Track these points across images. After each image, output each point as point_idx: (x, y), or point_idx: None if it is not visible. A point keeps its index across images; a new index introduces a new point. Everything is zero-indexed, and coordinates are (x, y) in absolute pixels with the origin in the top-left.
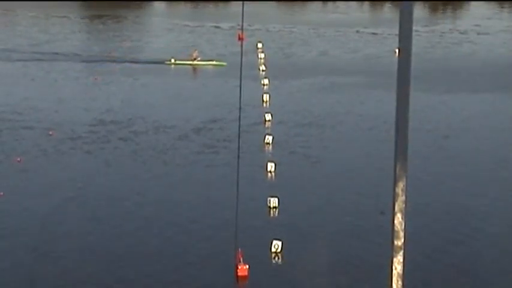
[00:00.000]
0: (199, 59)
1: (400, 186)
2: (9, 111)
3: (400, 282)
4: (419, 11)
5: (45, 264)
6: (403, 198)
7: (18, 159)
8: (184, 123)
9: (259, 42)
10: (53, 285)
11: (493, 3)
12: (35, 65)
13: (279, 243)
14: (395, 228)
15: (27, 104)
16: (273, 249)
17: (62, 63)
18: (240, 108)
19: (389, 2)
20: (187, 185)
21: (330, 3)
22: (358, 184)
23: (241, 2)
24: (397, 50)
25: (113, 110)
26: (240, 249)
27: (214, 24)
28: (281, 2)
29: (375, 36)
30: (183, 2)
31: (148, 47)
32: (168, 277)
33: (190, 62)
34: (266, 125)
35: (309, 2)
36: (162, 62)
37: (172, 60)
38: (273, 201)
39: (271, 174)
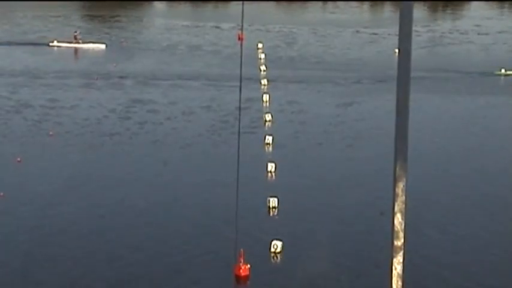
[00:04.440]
0: None
1: (400, 186)
2: (9, 110)
3: (400, 283)
4: (419, 11)
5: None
6: (403, 198)
7: (18, 159)
8: None
9: (260, 42)
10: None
11: (493, 3)
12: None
13: (279, 243)
14: (395, 229)
15: (28, 103)
16: (273, 249)
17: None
18: (239, 108)
19: (389, 2)
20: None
21: (330, 3)
22: (359, 184)
23: (241, 2)
24: (397, 50)
25: None
26: (242, 250)
27: (215, 25)
28: (281, 2)
29: (375, 36)
30: (183, 2)
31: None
32: (169, 277)
33: None
34: (266, 125)
35: (309, 2)
36: (490, 74)
37: (503, 71)
38: (273, 201)
39: (271, 174)
